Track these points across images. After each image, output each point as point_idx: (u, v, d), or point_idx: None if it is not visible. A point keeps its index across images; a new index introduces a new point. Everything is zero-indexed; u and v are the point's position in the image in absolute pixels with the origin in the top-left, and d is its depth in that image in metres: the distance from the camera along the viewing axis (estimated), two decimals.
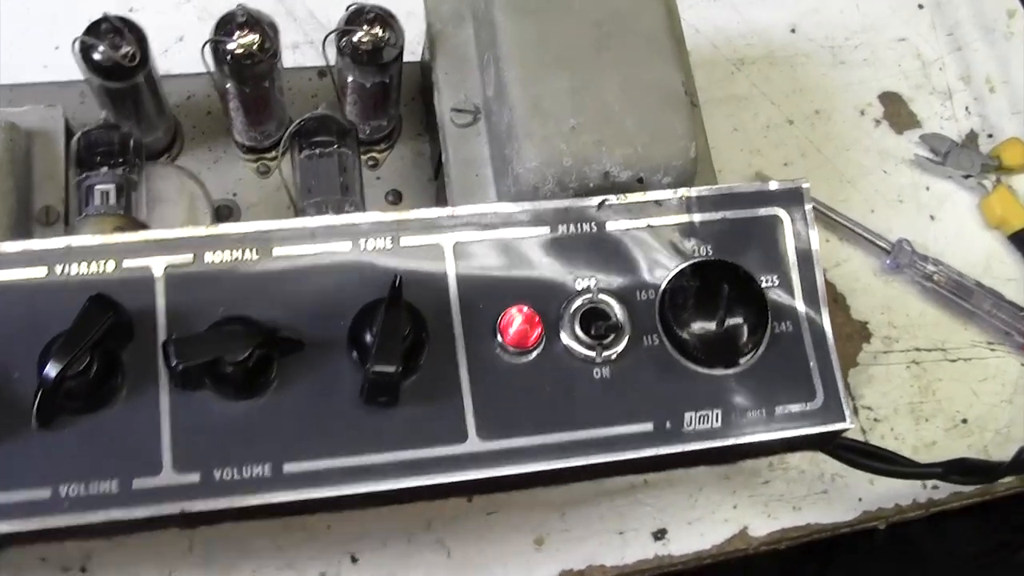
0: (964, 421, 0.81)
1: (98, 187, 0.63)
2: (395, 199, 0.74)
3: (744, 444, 0.59)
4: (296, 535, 0.71)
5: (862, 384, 0.81)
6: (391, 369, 0.53)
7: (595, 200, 0.61)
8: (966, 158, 0.86)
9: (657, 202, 0.61)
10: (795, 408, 0.60)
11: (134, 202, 0.64)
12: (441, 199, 0.71)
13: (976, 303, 0.83)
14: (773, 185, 0.62)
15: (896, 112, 0.89)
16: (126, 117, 0.68)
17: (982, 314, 0.83)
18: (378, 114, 0.72)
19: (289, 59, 0.81)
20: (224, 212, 0.73)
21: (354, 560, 0.71)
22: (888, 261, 0.83)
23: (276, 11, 0.78)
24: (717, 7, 0.90)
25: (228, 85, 0.68)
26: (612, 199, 0.61)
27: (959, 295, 0.83)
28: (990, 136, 0.89)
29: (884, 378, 0.81)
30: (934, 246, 0.85)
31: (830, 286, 0.83)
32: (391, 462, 0.55)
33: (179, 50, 0.83)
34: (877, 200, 0.86)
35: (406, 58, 0.71)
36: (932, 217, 0.86)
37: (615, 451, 0.57)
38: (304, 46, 0.84)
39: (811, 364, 0.61)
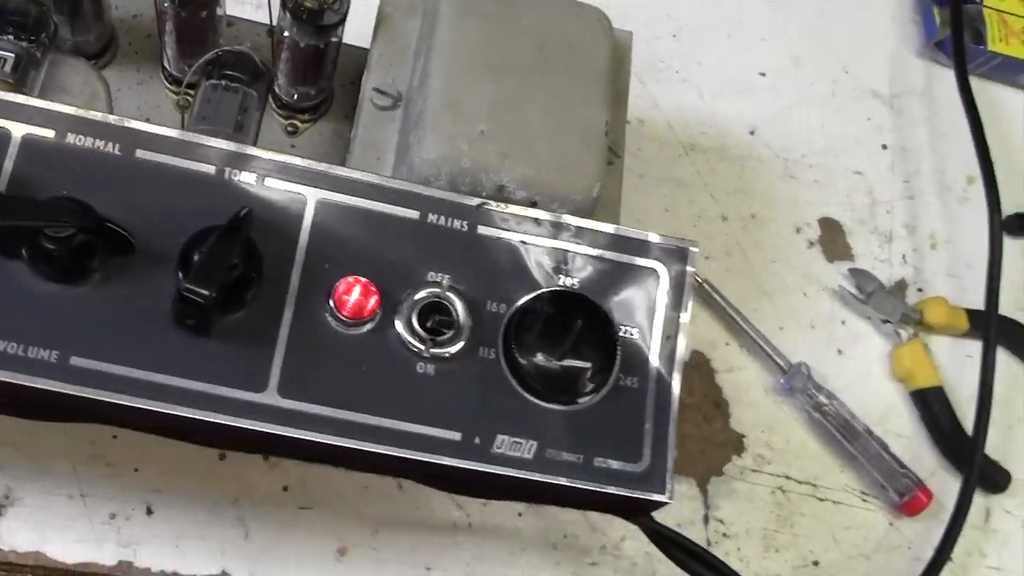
0: (815, 563, 0.78)
1: None
2: None
3: (550, 484, 0.56)
4: (99, 468, 0.68)
5: (721, 495, 0.78)
6: (204, 292, 0.51)
7: (475, 200, 0.59)
8: (889, 303, 0.85)
9: (537, 220, 0.59)
10: (615, 465, 0.57)
11: (30, 79, 0.62)
12: None
13: (860, 448, 0.80)
14: (655, 238, 0.60)
15: (832, 239, 0.88)
16: (60, 8, 0.67)
17: (863, 461, 0.80)
18: (307, 80, 0.70)
19: (238, 11, 0.80)
20: None
21: (149, 512, 0.68)
22: (782, 380, 0.81)
23: None
24: (683, 88, 0.89)
25: (167, 4, 0.67)
26: (492, 204, 0.59)
27: (845, 435, 0.80)
28: (920, 290, 0.88)
29: (746, 496, 0.79)
30: (835, 382, 0.82)
31: (717, 389, 0.81)
32: (181, 388, 0.53)
33: None
34: (789, 320, 0.84)
35: (355, 42, 0.70)
36: (840, 352, 0.84)
37: (413, 450, 0.55)
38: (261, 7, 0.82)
39: (646, 427, 0.58)
